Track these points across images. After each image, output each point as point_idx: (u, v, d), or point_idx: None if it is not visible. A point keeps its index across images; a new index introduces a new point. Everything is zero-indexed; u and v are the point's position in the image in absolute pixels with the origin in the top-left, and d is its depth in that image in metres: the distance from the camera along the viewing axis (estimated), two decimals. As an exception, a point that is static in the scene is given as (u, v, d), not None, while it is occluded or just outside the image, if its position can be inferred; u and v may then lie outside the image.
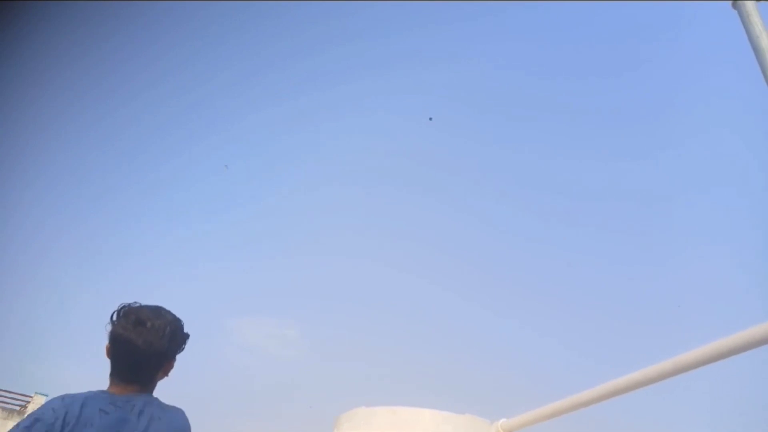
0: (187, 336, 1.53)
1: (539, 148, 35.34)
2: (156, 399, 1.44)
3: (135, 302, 1.47)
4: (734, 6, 1.31)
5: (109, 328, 1.43)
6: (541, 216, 36.19)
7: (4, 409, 16.70)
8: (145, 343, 1.39)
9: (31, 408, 16.62)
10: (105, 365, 1.47)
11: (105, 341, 1.45)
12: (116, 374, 1.42)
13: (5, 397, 17.03)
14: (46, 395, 17.09)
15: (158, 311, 1.46)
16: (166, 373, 1.50)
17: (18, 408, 16.97)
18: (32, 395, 17.03)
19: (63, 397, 1.35)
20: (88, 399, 1.34)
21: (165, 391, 1.55)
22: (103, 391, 1.40)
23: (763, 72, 1.19)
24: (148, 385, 1.46)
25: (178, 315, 1.52)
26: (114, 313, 1.44)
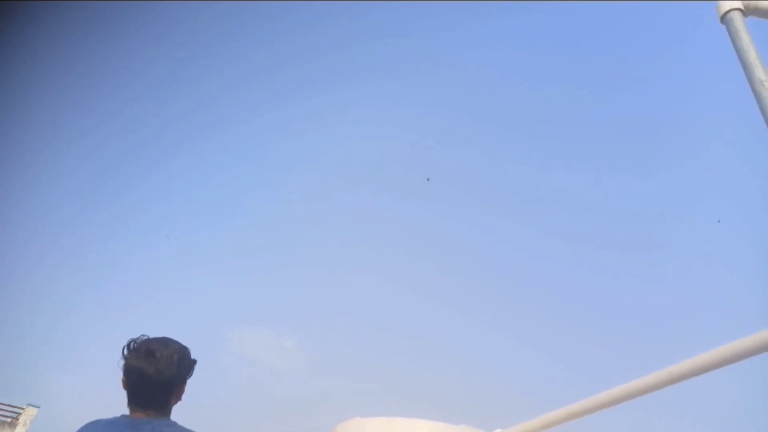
0: (194, 362, 1.66)
1: (538, 159, 35.41)
2: (174, 422, 1.57)
3: (143, 335, 1.61)
4: (722, 21, 1.34)
5: (122, 361, 1.56)
6: (541, 231, 36.29)
7: (-5, 420, 16.48)
8: (156, 372, 1.52)
9: (23, 420, 16.40)
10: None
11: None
12: (133, 402, 1.55)
13: (-4, 408, 16.81)
14: (38, 407, 16.88)
15: (165, 342, 1.60)
16: (179, 398, 1.63)
17: (9, 420, 16.74)
18: (24, 407, 16.81)
19: (87, 426, 1.51)
20: (108, 425, 1.50)
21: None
22: (124, 416, 1.54)
23: (751, 86, 1.22)
24: (164, 409, 1.58)
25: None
26: (124, 347, 1.57)
